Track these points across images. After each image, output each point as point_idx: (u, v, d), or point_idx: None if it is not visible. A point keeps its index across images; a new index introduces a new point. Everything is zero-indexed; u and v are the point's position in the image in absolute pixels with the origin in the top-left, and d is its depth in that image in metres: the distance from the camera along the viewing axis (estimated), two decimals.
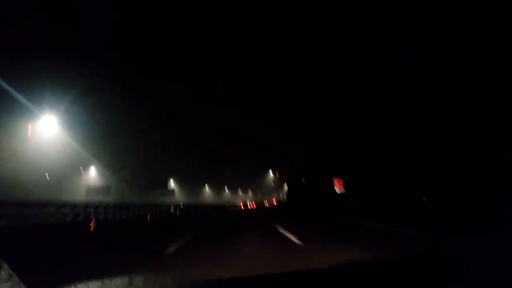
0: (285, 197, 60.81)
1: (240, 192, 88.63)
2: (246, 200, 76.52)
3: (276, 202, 67.02)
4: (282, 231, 5.99)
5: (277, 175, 57.81)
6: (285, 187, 63.01)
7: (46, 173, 21.45)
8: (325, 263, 3.40)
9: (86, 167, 30.25)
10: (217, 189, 75.50)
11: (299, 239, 4.90)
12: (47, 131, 21.32)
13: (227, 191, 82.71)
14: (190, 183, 57.91)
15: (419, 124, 15.79)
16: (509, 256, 1.33)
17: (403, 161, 15.99)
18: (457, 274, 1.22)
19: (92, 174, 30.97)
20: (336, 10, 20.44)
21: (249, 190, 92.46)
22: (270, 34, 31.11)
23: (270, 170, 66.33)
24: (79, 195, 25.95)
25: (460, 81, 13.05)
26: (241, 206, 57.55)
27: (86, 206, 15.62)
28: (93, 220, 12.23)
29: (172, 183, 51.44)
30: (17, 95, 17.67)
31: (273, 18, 27.02)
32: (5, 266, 1.16)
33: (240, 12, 28.84)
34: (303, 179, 40.14)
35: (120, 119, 32.11)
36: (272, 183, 73.27)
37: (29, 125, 20.07)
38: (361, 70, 20.75)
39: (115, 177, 32.26)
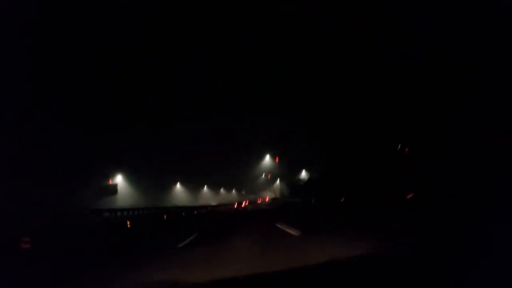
0: (278, 194, 53.15)
1: (222, 191, 76.54)
2: (236, 200, 65.05)
3: (269, 200, 57.96)
4: None
5: (277, 161, 46.78)
6: (277, 183, 55.44)
7: None
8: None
9: None
10: (193, 187, 62.38)
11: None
12: None
13: (205, 189, 69.35)
14: (157, 180, 44.02)
15: (419, 124, 15.78)
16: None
17: (401, 160, 15.96)
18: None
19: None
20: (336, 10, 20.44)
21: (233, 189, 79.88)
22: (270, 34, 31.13)
23: (268, 155, 51.78)
24: None
25: (460, 81, 13.05)
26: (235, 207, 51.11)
27: None
28: None
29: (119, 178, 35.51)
30: None
31: (273, 18, 27.03)
32: None
33: (240, 12, 28.86)
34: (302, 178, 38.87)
35: None
36: (264, 177, 58.59)
37: None
38: (361, 70, 20.75)
39: None
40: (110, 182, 33.25)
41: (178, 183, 57.94)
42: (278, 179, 55.67)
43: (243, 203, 53.10)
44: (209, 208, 44.51)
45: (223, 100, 50.61)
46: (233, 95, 50.31)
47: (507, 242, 1.36)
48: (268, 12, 25.30)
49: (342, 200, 18.92)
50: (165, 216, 21.73)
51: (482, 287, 0.96)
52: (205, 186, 68.74)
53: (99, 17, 27.10)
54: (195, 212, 32.13)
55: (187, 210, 31.79)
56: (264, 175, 59.13)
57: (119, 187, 33.97)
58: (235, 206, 48.71)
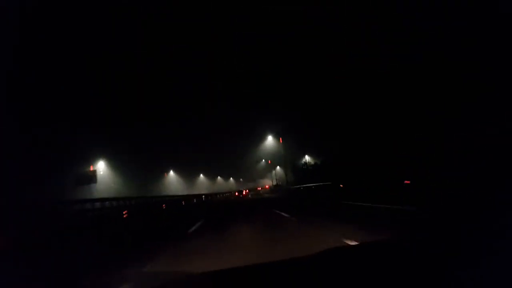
0: (282, 181, 47.65)
1: (219, 179, 76.66)
2: (233, 188, 67.15)
3: (269, 187, 57.14)
4: None
5: (280, 141, 41.10)
6: (278, 169, 53.35)
7: None
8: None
9: None
10: (189, 176, 59.75)
11: None
12: None
13: (202, 178, 68.01)
14: (146, 166, 40.53)
15: (419, 124, 15.78)
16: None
17: (401, 159, 15.95)
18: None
19: None
20: (336, 10, 20.48)
21: (231, 177, 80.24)
22: (270, 34, 31.20)
23: (270, 136, 45.99)
24: None
25: (460, 81, 13.05)
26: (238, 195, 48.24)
27: None
28: None
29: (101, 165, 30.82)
30: None
31: (273, 18, 27.10)
32: None
33: (240, 12, 28.91)
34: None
35: None
36: (265, 163, 54.77)
37: None
38: (361, 70, 20.77)
39: None
40: (91, 168, 27.71)
41: (171, 171, 54.15)
42: (278, 166, 52.55)
43: (243, 191, 53.99)
44: (203, 197, 39.13)
45: (223, 100, 50.86)
46: (233, 95, 50.60)
47: (507, 242, 1.37)
48: (268, 12, 25.35)
49: (407, 182, 12.47)
50: (124, 213, 13.97)
51: (482, 287, 0.97)
52: (201, 174, 66.73)
53: (99, 17, 27.12)
54: (183, 203, 26.55)
55: (170, 201, 24.39)
56: (264, 160, 54.68)
57: (102, 175, 28.92)
58: (236, 194, 50.25)
